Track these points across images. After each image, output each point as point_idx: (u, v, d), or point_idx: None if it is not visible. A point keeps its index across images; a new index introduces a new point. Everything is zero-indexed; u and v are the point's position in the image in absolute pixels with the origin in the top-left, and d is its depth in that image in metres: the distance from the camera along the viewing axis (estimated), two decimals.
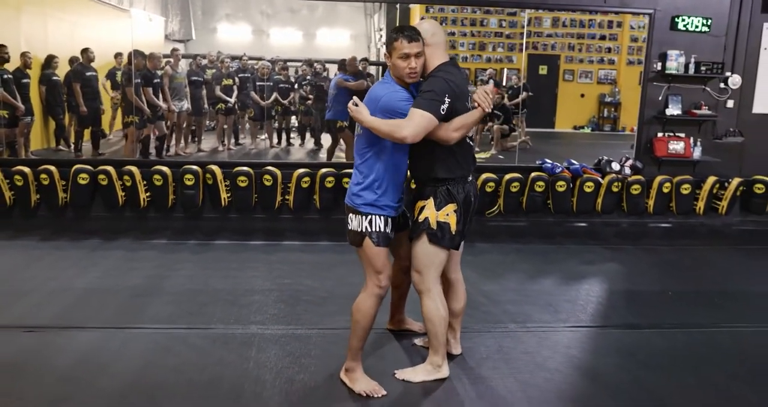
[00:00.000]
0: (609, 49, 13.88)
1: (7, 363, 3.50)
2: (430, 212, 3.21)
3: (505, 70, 13.01)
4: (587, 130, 13.78)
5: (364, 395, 3.21)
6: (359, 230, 3.20)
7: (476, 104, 3.14)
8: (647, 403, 3.26)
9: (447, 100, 3.03)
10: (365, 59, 9.99)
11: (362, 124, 3.09)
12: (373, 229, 3.18)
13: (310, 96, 10.28)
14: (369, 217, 3.18)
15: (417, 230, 3.26)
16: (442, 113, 3.03)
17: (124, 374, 3.41)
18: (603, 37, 13.80)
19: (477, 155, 9.39)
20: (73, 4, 9.19)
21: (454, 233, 3.21)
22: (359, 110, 3.07)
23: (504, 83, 12.07)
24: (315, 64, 10.38)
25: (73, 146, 8.67)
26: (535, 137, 10.92)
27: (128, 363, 3.53)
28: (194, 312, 4.28)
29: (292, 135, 10.93)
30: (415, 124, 2.97)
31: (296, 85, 10.43)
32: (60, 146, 8.71)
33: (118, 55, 8.79)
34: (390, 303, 3.88)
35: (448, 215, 3.19)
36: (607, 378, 3.51)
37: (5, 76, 7.24)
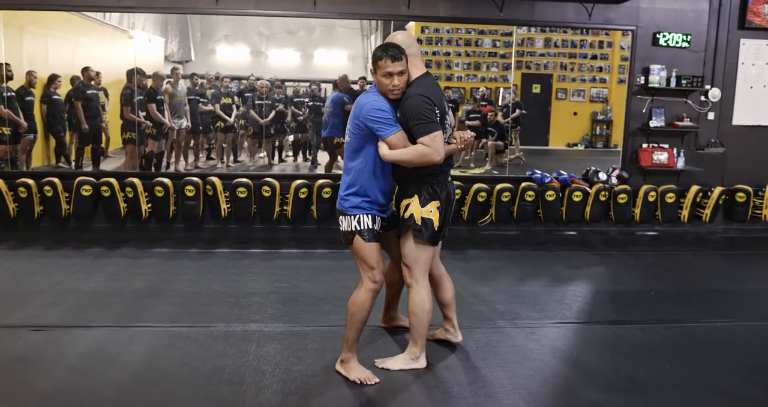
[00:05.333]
0: (600, 68, 14.10)
1: (18, 358, 3.68)
2: (415, 208, 3.42)
3: (501, 89, 13.23)
4: (580, 147, 13.97)
5: (359, 382, 3.39)
6: (349, 229, 3.43)
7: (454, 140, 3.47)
8: (624, 386, 3.47)
9: (437, 111, 3.28)
10: (363, 78, 10.29)
11: (389, 160, 3.31)
12: (362, 227, 3.40)
13: (301, 114, 10.54)
14: (357, 216, 3.40)
15: (404, 227, 3.48)
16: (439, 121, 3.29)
17: (130, 365, 3.59)
18: (594, 57, 14.03)
19: (472, 171, 9.65)
20: (74, 25, 9.41)
21: (436, 228, 3.42)
22: (385, 153, 3.31)
23: (499, 102, 12.29)
24: (312, 86, 10.70)
25: (73, 164, 8.84)
26: (529, 154, 11.13)
27: (134, 356, 3.71)
28: (196, 312, 4.47)
29: (288, 153, 11.18)
30: (437, 146, 3.23)
31: (283, 104, 10.61)
32: (60, 163, 8.86)
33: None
34: (384, 301, 4.08)
35: (431, 211, 3.41)
36: (588, 366, 3.72)
37: (8, 94, 7.41)
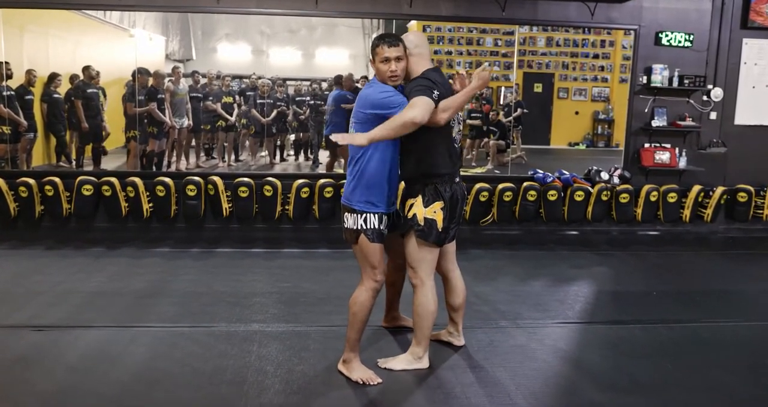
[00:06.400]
0: (602, 68, 14.07)
1: (19, 358, 3.67)
2: (418, 209, 3.40)
3: (503, 88, 13.20)
4: (582, 146, 13.96)
5: (361, 383, 3.39)
6: (355, 227, 3.39)
7: (458, 88, 3.41)
8: (626, 386, 3.47)
9: (436, 91, 3.23)
10: (365, 77, 10.27)
11: (369, 142, 3.14)
12: (368, 226, 3.37)
13: (302, 113, 10.55)
14: (363, 215, 3.37)
15: (407, 227, 3.46)
16: (435, 98, 3.20)
17: (131, 365, 3.58)
18: (596, 56, 13.99)
19: (473, 170, 9.66)
20: (74, 23, 9.40)
21: (440, 229, 3.39)
22: (351, 137, 3.14)
23: (501, 101, 12.26)
24: (313, 85, 10.71)
25: (74, 163, 8.81)
26: (531, 154, 11.13)
27: (135, 357, 3.70)
28: (198, 312, 4.46)
29: (290, 152, 11.19)
30: (418, 106, 3.11)
31: (285, 103, 10.60)
32: (61, 162, 8.83)
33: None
34: (385, 300, 4.07)
35: (435, 212, 3.39)
36: (591, 366, 3.72)
37: (7, 93, 7.35)
